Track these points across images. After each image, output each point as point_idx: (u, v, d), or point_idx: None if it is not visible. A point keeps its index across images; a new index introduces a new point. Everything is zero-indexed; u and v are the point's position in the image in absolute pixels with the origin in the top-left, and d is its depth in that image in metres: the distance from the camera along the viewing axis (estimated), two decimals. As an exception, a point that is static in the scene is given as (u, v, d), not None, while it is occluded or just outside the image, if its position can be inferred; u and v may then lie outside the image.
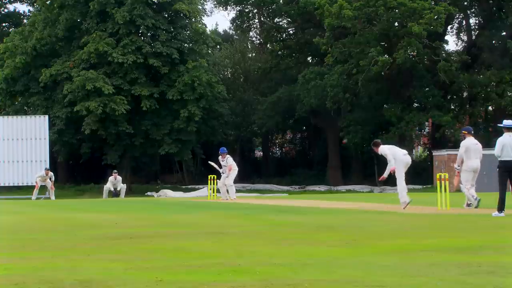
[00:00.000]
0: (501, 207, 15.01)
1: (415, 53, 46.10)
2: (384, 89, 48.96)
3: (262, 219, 15.23)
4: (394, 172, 18.21)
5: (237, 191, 36.19)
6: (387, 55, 45.19)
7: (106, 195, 35.61)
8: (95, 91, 44.72)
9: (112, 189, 35.64)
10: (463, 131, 18.67)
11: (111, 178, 35.81)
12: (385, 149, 18.30)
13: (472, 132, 18.17)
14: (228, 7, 58.62)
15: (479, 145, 17.89)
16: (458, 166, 17.81)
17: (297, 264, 7.82)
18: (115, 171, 37.18)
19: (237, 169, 26.46)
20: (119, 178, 35.94)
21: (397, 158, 18.17)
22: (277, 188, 47.95)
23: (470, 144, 17.69)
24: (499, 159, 15.16)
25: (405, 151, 18.66)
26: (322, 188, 46.68)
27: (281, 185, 49.70)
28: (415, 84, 47.73)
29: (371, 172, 50.77)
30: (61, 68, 46.86)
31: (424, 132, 56.98)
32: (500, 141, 15.14)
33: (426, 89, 47.27)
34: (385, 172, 18.36)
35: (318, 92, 47.09)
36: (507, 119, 15.84)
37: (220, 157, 26.30)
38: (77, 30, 49.05)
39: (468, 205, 17.64)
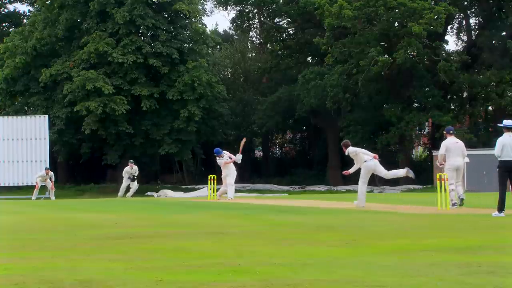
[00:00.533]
0: (501, 207, 15.02)
1: (415, 53, 46.12)
2: (384, 89, 48.98)
3: (262, 219, 15.23)
4: (349, 174, 19.58)
5: (237, 191, 36.16)
6: (387, 55, 45.20)
7: (123, 193, 35.03)
8: (95, 91, 44.76)
9: (129, 183, 34.76)
10: (444, 132, 18.94)
11: (127, 169, 34.86)
12: (356, 150, 19.33)
13: (452, 132, 18.36)
14: (228, 7, 58.66)
15: (460, 143, 18.13)
16: (441, 164, 18.10)
17: (297, 264, 7.82)
18: (131, 160, 36.36)
19: (233, 167, 26.17)
20: (135, 167, 35.19)
21: (363, 163, 19.00)
22: (277, 188, 47.93)
23: (449, 143, 17.92)
24: (499, 159, 15.18)
25: (368, 157, 19.21)
26: (322, 188, 46.65)
27: (281, 185, 49.68)
28: (415, 84, 47.75)
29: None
30: (61, 68, 46.89)
31: (424, 132, 56.99)
32: (500, 141, 15.16)
33: (426, 89, 47.29)
34: (351, 169, 19.32)
35: (318, 92, 47.11)
36: (507, 119, 15.86)
37: (217, 159, 25.98)
38: (77, 30, 49.10)
39: (453, 204, 17.73)
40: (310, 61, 57.20)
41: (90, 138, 46.86)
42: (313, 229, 12.35)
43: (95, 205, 23.79)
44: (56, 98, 47.51)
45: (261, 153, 63.23)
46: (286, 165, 58.41)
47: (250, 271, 7.34)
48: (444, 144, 18.07)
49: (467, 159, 19.05)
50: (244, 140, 27.99)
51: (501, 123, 15.51)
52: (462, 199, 17.64)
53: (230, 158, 25.71)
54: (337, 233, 11.48)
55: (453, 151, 17.83)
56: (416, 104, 49.81)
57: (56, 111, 46.80)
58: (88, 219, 16.07)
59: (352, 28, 45.33)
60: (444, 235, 10.96)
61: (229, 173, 25.69)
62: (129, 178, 34.63)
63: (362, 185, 19.18)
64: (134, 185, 34.82)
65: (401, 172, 19.48)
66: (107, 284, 6.68)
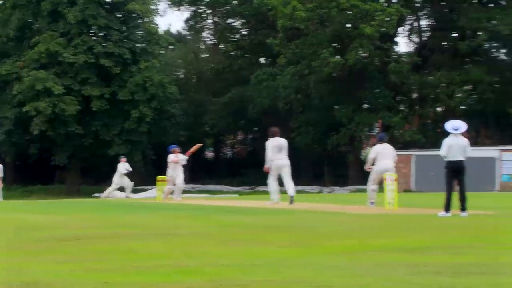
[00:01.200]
0: (447, 207, 15.22)
1: (367, 54, 46.52)
2: (335, 90, 49.31)
3: (212, 219, 15.19)
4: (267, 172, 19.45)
5: (187, 191, 36.05)
6: (339, 56, 45.51)
7: (111, 191, 33.60)
8: (45, 91, 44.25)
9: (121, 181, 33.58)
10: (376, 139, 19.76)
11: (120, 165, 33.41)
12: (267, 146, 19.31)
13: (382, 141, 18.92)
14: (182, 8, 58.52)
15: (390, 149, 18.67)
16: (369, 168, 18.69)
17: (246, 264, 7.80)
18: (122, 156, 35.52)
19: (181, 168, 26.20)
20: (127, 163, 34.03)
21: (272, 160, 19.19)
22: (227, 189, 47.93)
23: (380, 148, 18.54)
24: (445, 159, 15.40)
25: (280, 156, 19.21)
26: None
27: (232, 186, 49.69)
28: (366, 85, 48.17)
29: (321, 172, 51.11)
30: (11, 68, 46.29)
31: (374, 133, 57.47)
32: (446, 142, 15.39)
33: (377, 90, 47.74)
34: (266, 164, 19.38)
35: (270, 92, 47.29)
36: (452, 120, 16.10)
37: (173, 155, 25.93)
38: (28, 30, 48.52)
39: (371, 203, 18.37)
40: (263, 62, 57.35)
41: (39, 139, 46.31)
42: (262, 230, 12.35)
43: (42, 206, 23.49)
44: (5, 98, 46.87)
45: (212, 154, 63.17)
46: (237, 165, 58.42)
47: (198, 272, 7.31)
48: (374, 149, 18.80)
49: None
50: (199, 145, 27.98)
51: (447, 124, 15.73)
52: (372, 202, 18.48)
53: (176, 158, 25.79)
54: (286, 233, 11.49)
55: (382, 155, 18.34)
56: (367, 105, 50.25)
57: (5, 111, 46.16)
58: (35, 220, 15.84)
59: (305, 29, 45.55)
60: (392, 235, 11.04)
61: (178, 174, 25.68)
62: (123, 173, 33.32)
63: (272, 181, 19.38)
64: (128, 183, 33.82)
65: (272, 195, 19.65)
66: (54, 286, 6.59)
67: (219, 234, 11.53)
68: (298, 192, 42.64)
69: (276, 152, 19.13)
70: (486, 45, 49.23)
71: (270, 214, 16.82)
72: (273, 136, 19.39)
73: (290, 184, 19.54)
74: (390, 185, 17.60)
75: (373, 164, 18.45)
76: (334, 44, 46.99)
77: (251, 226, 13.16)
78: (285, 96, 46.69)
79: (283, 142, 19.44)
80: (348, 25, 46.48)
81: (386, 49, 46.32)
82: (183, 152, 26.98)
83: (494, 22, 46.32)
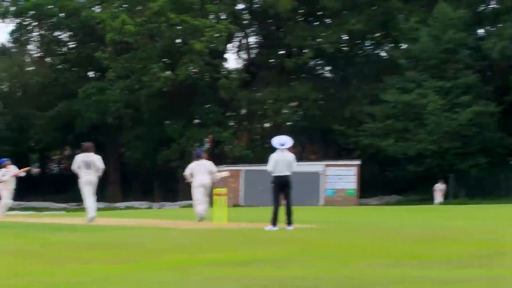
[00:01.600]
0: (274, 221, 15.51)
1: (197, 70, 46.91)
2: (166, 105, 49.36)
3: (37, 237, 14.70)
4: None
5: (12, 209, 34.72)
6: (169, 71, 45.61)
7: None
8: None
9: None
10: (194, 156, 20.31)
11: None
12: (75, 160, 19.45)
13: (198, 156, 19.41)
14: (6, 20, 56.58)
15: (205, 164, 19.02)
16: (190, 181, 19.10)
17: (72, 282, 7.59)
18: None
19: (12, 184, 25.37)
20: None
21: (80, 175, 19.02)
22: (54, 205, 46.72)
23: (195, 164, 18.98)
24: (272, 174, 15.70)
25: (88, 172, 19.12)
26: (101, 205, 45.93)
27: (59, 203, 48.47)
28: (196, 100, 48.52)
29: (150, 188, 50.84)
30: None
31: (204, 148, 57.96)
32: (272, 157, 15.71)
33: (208, 105, 48.22)
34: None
35: (99, 107, 46.67)
36: (279, 136, 16.49)
37: (4, 169, 25.06)
38: None
39: (200, 218, 18.64)
40: (92, 75, 56.48)
41: None
42: (89, 247, 12.07)
43: None
44: None
45: (38, 170, 61.37)
46: (64, 182, 56.99)
47: (22, 292, 7.04)
48: (189, 166, 19.16)
49: (224, 174, 20.54)
50: (26, 169, 27.14)
51: (274, 139, 16.09)
52: (201, 217, 18.52)
53: (4, 176, 24.92)
54: (114, 250, 11.29)
55: (198, 171, 18.72)
56: (197, 120, 50.62)
57: None
58: None
59: (135, 44, 45.35)
60: (222, 250, 11.11)
61: (8, 189, 24.96)
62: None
63: (86, 197, 19.34)
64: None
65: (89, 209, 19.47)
66: None
67: (44, 252, 11.16)
68: (127, 208, 42.25)
69: (85, 167, 18.84)
70: (312, 62, 50.91)
71: (97, 231, 16.50)
72: (86, 151, 19.20)
73: (92, 204, 19.26)
74: (218, 200, 17.84)
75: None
76: (165, 59, 47.07)
77: (77, 244, 12.85)
78: (114, 110, 46.19)
79: (94, 158, 19.10)
80: (178, 41, 46.71)
81: (216, 65, 46.91)
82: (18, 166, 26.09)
83: (319, 40, 47.95)
